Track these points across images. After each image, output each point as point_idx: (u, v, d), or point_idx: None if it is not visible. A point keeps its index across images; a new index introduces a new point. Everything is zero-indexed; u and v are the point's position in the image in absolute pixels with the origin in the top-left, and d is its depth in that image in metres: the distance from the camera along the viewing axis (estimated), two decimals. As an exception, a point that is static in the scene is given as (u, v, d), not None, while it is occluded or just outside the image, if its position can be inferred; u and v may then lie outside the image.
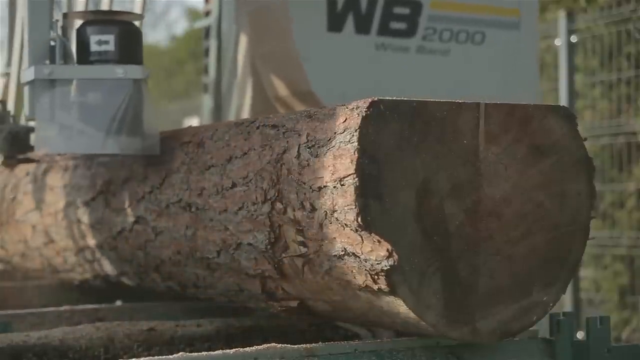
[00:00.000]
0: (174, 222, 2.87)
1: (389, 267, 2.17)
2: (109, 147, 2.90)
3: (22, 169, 4.03)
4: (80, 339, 2.89)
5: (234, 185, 2.60)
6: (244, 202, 2.55)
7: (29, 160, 3.63)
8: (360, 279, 2.25)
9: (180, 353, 2.78)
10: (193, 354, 2.37)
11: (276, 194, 2.43)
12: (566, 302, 6.92)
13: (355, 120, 2.21)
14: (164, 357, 2.33)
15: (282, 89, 4.28)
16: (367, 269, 2.21)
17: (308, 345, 2.33)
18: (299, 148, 2.38)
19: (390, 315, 2.31)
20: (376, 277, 2.20)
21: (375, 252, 2.18)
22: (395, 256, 2.16)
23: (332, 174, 2.24)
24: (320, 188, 2.28)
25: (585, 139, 2.40)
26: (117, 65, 2.92)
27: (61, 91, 2.92)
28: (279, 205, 2.42)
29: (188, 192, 2.80)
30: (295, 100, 4.22)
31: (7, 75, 4.31)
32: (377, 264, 2.18)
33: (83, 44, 2.97)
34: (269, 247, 2.48)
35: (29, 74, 2.97)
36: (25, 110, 3.00)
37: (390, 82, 4.31)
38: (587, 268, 7.45)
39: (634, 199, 7.28)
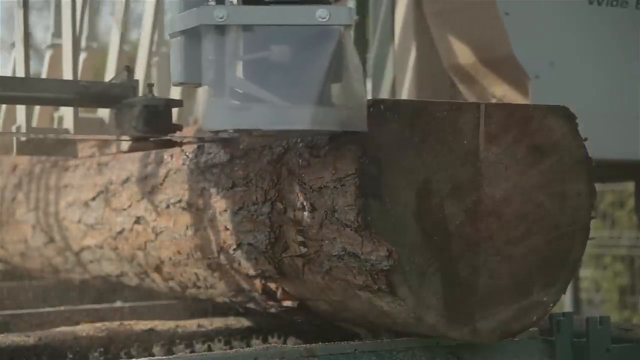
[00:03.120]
0: (174, 222, 2.87)
1: (389, 267, 2.17)
2: (302, 120, 2.11)
3: (21, 169, 4.03)
4: (80, 339, 2.89)
5: (234, 185, 2.59)
6: (244, 202, 2.55)
7: (168, 144, 2.78)
8: (360, 279, 2.25)
9: (180, 353, 2.79)
10: (193, 354, 2.37)
11: (276, 194, 2.42)
12: (566, 302, 6.92)
13: (356, 120, 2.20)
14: (164, 357, 2.33)
15: (466, 55, 3.49)
16: (367, 269, 2.21)
17: (308, 345, 2.33)
18: (299, 148, 2.37)
19: (390, 315, 2.31)
20: (376, 277, 2.20)
21: (375, 252, 2.18)
22: (395, 256, 2.16)
23: (332, 174, 2.24)
24: (320, 188, 2.28)
25: (586, 139, 2.39)
26: (317, 5, 2.10)
27: (235, 43, 2.11)
28: (279, 205, 2.42)
29: (188, 192, 2.79)
30: (485, 68, 3.45)
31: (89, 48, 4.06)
32: (377, 264, 2.18)
33: None
34: (269, 247, 2.48)
35: (186, 20, 2.17)
36: (175, 73, 2.23)
37: (605, 45, 3.54)
38: (587, 268, 7.45)
39: (634, 199, 7.28)
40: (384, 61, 3.98)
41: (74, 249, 3.55)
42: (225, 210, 2.63)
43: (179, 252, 2.90)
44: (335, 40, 2.10)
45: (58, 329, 2.95)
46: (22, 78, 2.96)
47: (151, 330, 2.98)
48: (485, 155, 2.28)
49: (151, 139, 2.74)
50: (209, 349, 3.00)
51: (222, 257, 2.70)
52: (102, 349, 2.90)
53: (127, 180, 3.16)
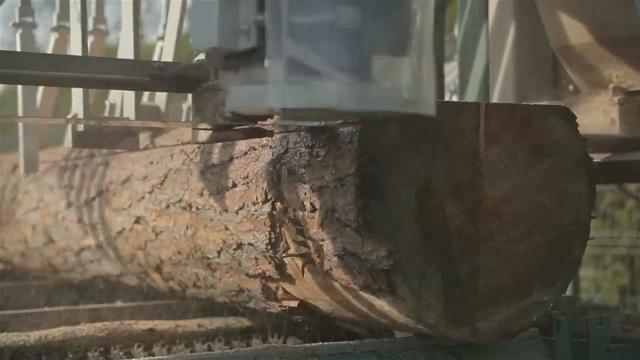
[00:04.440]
0: (174, 222, 2.87)
1: (389, 267, 2.17)
2: (348, 99, 1.73)
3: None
4: (80, 339, 2.89)
5: (234, 185, 2.59)
6: (244, 202, 2.55)
7: (256, 133, 2.43)
8: (360, 279, 2.25)
9: (180, 353, 2.79)
10: (193, 354, 2.37)
11: (276, 194, 2.42)
12: (566, 302, 6.91)
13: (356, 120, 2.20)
14: (164, 357, 2.33)
15: (580, 35, 3.07)
16: (367, 268, 2.21)
17: (308, 345, 2.33)
18: (299, 148, 2.37)
19: (390, 316, 2.31)
20: (376, 277, 2.20)
21: (375, 252, 2.18)
22: (396, 256, 2.16)
23: (332, 174, 2.24)
24: (320, 188, 2.28)
25: (586, 139, 2.39)
26: None
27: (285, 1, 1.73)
28: (279, 205, 2.42)
29: (188, 192, 2.79)
30: (603, 48, 3.04)
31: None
32: (377, 263, 2.18)
33: None
34: (269, 247, 2.48)
35: None
36: (200, 35, 1.82)
37: None
38: (587, 268, 7.45)
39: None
40: (474, 44, 3.31)
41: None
42: (225, 210, 2.63)
43: (179, 252, 2.90)
44: (405, 4, 1.74)
45: (58, 329, 2.95)
46: (85, 57, 2.63)
47: (151, 330, 2.98)
48: (486, 155, 2.28)
49: (236, 128, 2.33)
50: (209, 349, 3.00)
51: (222, 257, 2.70)
52: (102, 349, 2.90)
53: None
